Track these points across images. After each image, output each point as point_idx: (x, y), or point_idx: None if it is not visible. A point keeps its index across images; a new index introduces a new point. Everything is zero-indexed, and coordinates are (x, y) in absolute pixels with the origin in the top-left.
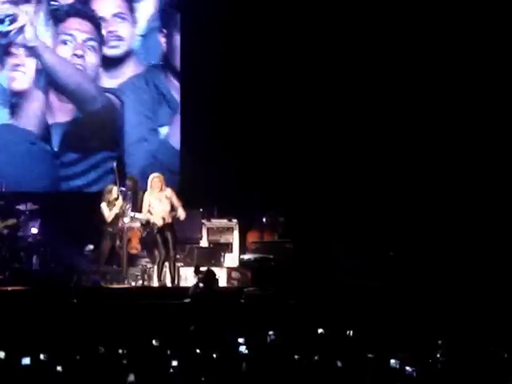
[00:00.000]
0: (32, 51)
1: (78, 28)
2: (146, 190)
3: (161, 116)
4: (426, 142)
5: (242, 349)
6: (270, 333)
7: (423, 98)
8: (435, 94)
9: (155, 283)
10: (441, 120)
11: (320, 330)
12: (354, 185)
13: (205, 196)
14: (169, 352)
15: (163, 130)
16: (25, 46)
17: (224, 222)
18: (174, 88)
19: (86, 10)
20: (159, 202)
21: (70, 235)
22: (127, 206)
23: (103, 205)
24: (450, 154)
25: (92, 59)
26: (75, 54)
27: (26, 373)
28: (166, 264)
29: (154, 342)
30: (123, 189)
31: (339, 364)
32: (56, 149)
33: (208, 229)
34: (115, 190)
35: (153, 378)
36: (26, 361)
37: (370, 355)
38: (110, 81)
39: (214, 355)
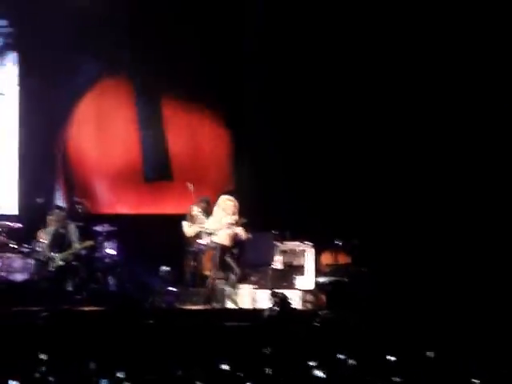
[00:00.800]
0: None
1: None
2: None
3: None
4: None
5: (317, 372)
6: (344, 356)
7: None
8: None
9: (229, 305)
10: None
11: (392, 358)
12: (426, 211)
13: (277, 218)
14: (242, 375)
15: None
16: None
17: (297, 243)
18: None
19: None
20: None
21: (145, 256)
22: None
23: (184, 222)
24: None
25: None
26: None
27: None
28: (241, 286)
29: (226, 364)
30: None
31: None
32: None
33: (281, 251)
34: (195, 208)
35: None
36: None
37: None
38: None
39: (289, 378)
